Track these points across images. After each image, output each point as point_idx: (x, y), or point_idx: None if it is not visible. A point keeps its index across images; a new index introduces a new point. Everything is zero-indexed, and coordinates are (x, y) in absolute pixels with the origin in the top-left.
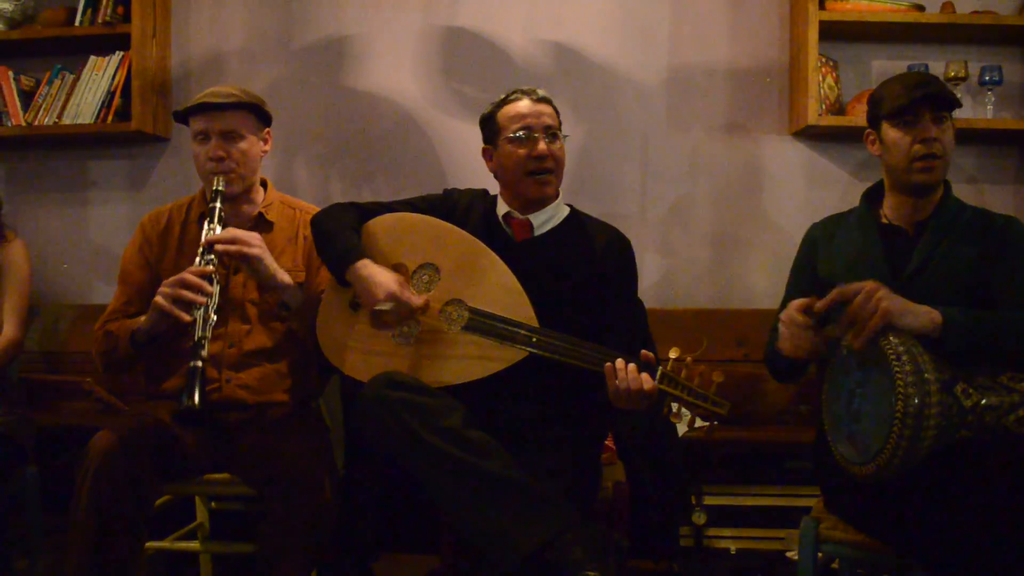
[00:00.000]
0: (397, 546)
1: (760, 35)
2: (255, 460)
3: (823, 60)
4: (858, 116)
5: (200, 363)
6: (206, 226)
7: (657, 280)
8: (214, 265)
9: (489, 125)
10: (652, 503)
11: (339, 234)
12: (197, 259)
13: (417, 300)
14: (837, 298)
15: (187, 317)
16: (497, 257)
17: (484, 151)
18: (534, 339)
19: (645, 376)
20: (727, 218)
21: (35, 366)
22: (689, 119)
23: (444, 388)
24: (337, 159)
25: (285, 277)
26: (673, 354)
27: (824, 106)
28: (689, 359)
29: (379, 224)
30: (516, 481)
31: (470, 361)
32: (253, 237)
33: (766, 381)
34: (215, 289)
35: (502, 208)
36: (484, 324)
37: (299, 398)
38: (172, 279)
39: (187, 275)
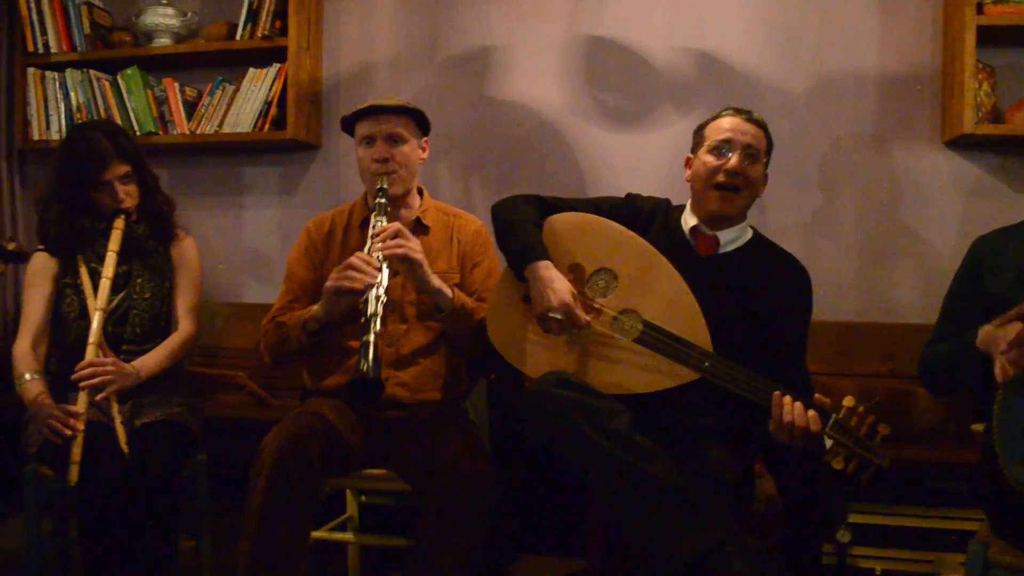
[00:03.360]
0: (536, 548)
1: (911, 41)
2: (413, 457)
3: (979, 66)
4: (1018, 125)
5: (372, 337)
6: (372, 219)
7: None
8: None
9: (697, 135)
10: (801, 518)
11: (522, 228)
12: (367, 246)
13: (585, 317)
14: None
15: (360, 285)
16: (676, 272)
17: (687, 160)
18: (706, 364)
19: (813, 416)
20: (873, 228)
21: (192, 360)
22: (835, 127)
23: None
24: (480, 166)
25: (438, 282)
26: (847, 403)
27: (980, 114)
28: (861, 409)
29: (561, 221)
30: (680, 488)
31: (638, 372)
32: (414, 240)
33: (914, 398)
34: (384, 271)
35: (689, 221)
36: (657, 340)
37: (450, 398)
38: (340, 266)
39: (354, 259)
